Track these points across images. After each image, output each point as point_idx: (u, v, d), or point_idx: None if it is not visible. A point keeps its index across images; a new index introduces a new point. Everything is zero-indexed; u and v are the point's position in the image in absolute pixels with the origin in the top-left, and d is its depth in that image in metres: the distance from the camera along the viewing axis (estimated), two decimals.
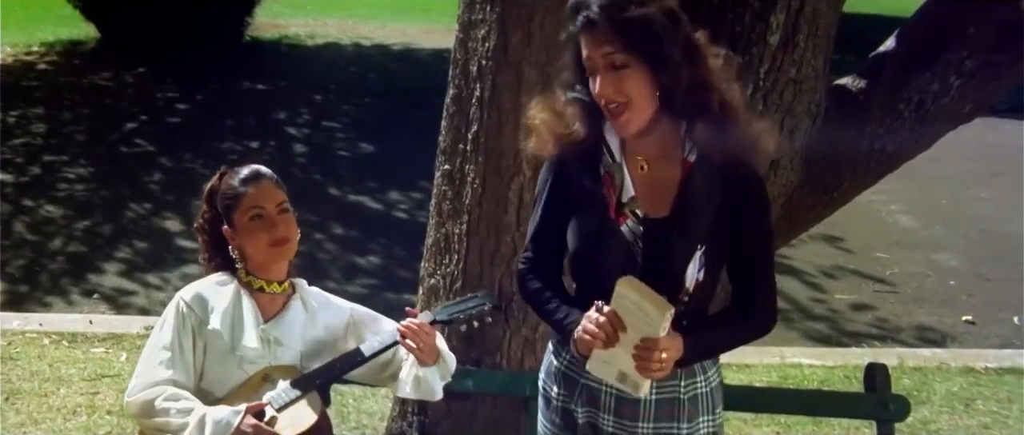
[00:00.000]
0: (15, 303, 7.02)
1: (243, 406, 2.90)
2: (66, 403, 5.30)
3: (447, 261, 3.51)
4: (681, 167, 2.55)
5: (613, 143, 2.60)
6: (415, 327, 3.03)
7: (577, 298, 2.69)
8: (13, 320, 6.50)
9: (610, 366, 2.41)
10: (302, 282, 3.25)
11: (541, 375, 2.88)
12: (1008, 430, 5.61)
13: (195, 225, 3.25)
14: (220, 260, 3.20)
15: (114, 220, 8.55)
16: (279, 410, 2.94)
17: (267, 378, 3.04)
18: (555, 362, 2.78)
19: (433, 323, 3.10)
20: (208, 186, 3.20)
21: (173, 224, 8.46)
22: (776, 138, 2.56)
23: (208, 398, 3.01)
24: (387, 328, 3.17)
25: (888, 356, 6.79)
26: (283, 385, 3.01)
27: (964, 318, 7.72)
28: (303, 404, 2.98)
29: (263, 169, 3.15)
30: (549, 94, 2.69)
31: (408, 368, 3.14)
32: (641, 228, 2.55)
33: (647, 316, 2.36)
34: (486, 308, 3.14)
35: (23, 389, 5.44)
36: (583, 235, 2.62)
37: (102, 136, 10.66)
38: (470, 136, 3.41)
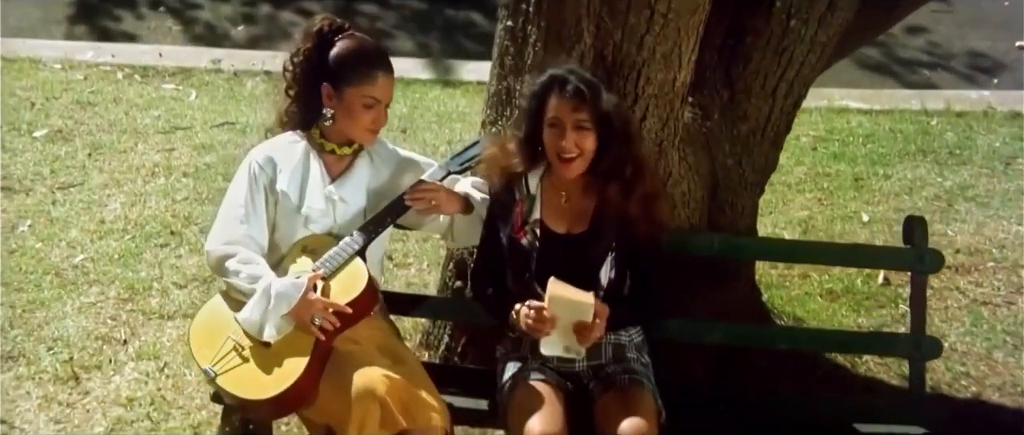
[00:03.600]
0: (87, 16, 7.18)
1: (304, 279, 3.09)
2: (144, 162, 5.60)
3: (508, 113, 3.61)
4: (595, 199, 3.23)
5: (532, 180, 3.26)
6: (420, 192, 3.25)
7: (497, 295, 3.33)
8: (87, 50, 6.73)
9: (556, 345, 3.06)
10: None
11: None
12: None
13: (293, 56, 3.26)
14: (304, 110, 3.29)
15: None
16: (329, 278, 3.15)
17: (306, 249, 3.23)
18: None
19: (448, 175, 3.34)
20: (316, 29, 3.23)
21: None
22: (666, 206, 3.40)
23: (276, 253, 3.25)
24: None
25: (936, 99, 6.93)
26: (330, 252, 3.19)
27: (1017, 44, 7.75)
28: (352, 268, 3.18)
29: (386, 57, 3.24)
30: (502, 133, 3.42)
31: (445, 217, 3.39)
32: (537, 243, 3.21)
33: (577, 307, 3.01)
34: None
35: (103, 143, 5.74)
36: (496, 245, 3.29)
37: None
38: None
